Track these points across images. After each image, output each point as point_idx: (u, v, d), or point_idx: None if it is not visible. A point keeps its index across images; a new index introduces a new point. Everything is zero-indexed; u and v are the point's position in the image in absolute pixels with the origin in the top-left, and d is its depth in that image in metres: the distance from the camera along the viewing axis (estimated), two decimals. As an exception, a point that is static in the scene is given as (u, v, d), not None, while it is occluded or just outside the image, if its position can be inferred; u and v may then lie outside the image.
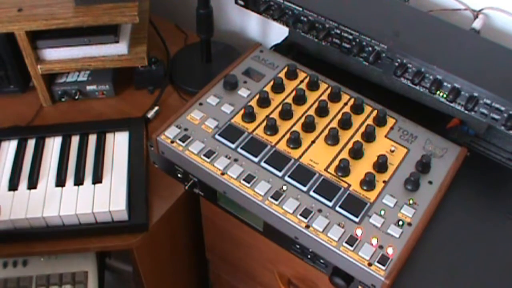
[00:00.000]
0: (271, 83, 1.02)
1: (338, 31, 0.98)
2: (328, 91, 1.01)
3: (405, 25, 0.98)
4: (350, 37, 0.97)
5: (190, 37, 1.45)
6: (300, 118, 0.96)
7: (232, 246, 1.18)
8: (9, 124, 1.22)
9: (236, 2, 1.09)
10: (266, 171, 0.89)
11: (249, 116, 0.95)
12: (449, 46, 0.95)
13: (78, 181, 1.09)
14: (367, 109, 0.99)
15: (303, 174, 0.88)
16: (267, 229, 0.90)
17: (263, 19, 1.23)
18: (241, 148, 0.92)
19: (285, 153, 0.91)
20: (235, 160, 0.90)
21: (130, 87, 1.32)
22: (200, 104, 0.98)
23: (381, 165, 0.89)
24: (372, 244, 0.81)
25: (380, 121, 0.96)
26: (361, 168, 0.90)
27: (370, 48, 0.96)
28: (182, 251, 1.35)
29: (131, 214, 1.06)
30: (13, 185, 1.09)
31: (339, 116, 0.97)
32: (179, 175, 0.97)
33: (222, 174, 0.89)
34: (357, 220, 0.84)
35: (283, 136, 0.94)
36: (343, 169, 0.88)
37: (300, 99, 0.99)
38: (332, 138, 0.93)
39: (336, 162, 0.90)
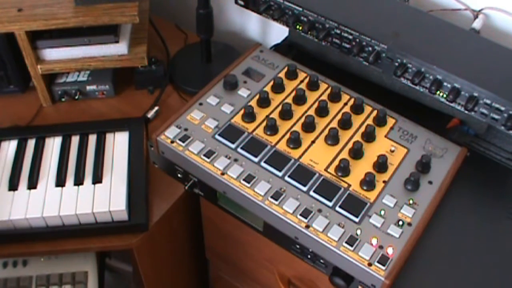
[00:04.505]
0: (271, 83, 1.02)
1: (338, 31, 0.98)
2: (328, 91, 1.01)
3: (405, 25, 0.98)
4: (350, 37, 0.97)
5: (190, 37, 1.45)
6: (300, 118, 0.96)
7: (232, 246, 1.18)
8: (9, 124, 1.22)
9: (236, 2, 1.09)
10: (266, 171, 0.89)
11: (249, 116, 0.95)
12: (449, 46, 0.95)
13: (78, 181, 1.09)
14: (367, 109, 0.99)
15: (303, 174, 0.88)
16: (267, 229, 0.90)
17: (263, 19, 1.24)
18: (241, 148, 0.92)
19: (285, 153, 0.91)
20: (235, 160, 0.90)
21: (130, 87, 1.32)
22: (200, 104, 0.98)
23: (381, 165, 0.89)
24: (372, 244, 0.81)
25: (380, 121, 0.96)
26: (361, 168, 0.90)
27: (370, 48, 0.96)
28: (182, 251, 1.35)
29: (131, 214, 1.06)
30: (13, 185, 1.09)
31: (339, 116, 0.97)
32: (179, 175, 0.97)
33: (222, 174, 0.89)
34: (357, 220, 0.84)
35: (283, 136, 0.94)
36: (343, 169, 0.88)
37: (300, 99, 0.99)
38: (332, 138, 0.93)
39: (336, 162, 0.90)
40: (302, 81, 1.03)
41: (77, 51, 1.20)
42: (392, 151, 0.93)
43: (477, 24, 1.03)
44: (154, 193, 1.12)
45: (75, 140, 1.17)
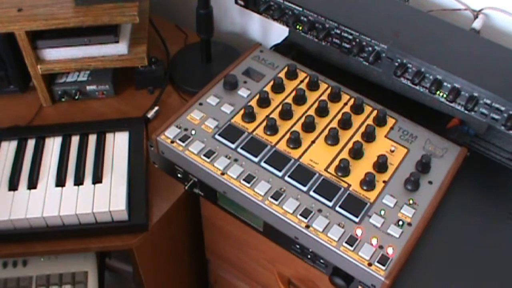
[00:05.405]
0: (271, 83, 1.02)
1: (338, 31, 0.98)
2: (328, 91, 1.01)
3: (405, 25, 0.98)
4: (350, 37, 0.97)
5: (190, 37, 1.45)
6: (300, 118, 0.96)
7: (232, 246, 1.18)
8: (9, 124, 1.22)
9: (236, 2, 1.09)
10: (266, 171, 0.89)
11: (249, 116, 0.95)
12: (449, 46, 0.95)
13: (78, 181, 1.09)
14: (367, 109, 0.99)
15: (303, 174, 0.88)
16: (267, 229, 0.90)
17: (263, 19, 1.23)
18: (241, 148, 0.92)
19: (285, 153, 0.91)
20: (235, 160, 0.90)
21: (130, 87, 1.32)
22: (200, 104, 0.98)
23: (381, 165, 0.89)
24: (372, 244, 0.81)
25: (380, 121, 0.96)
26: (361, 168, 0.90)
27: (370, 48, 0.96)
28: (182, 251, 1.35)
29: (131, 214, 1.06)
30: (13, 185, 1.09)
31: (339, 116, 0.97)
32: (179, 175, 0.97)
33: (222, 174, 0.89)
34: (357, 220, 0.84)
35: (283, 136, 0.94)
36: (343, 169, 0.88)
37: (300, 99, 0.99)
38: (332, 138, 0.93)
39: (336, 162, 0.90)
40: (302, 81, 1.03)
41: (77, 51, 1.20)
42: (392, 151, 0.93)
43: (477, 24, 1.03)
44: (154, 193, 1.12)
45: (75, 140, 1.17)
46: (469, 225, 0.89)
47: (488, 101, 0.87)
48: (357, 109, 0.98)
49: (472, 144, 0.98)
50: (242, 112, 0.96)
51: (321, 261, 0.86)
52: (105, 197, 1.06)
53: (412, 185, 0.88)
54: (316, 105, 0.98)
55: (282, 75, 1.03)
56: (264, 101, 0.98)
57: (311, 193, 0.86)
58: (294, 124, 0.96)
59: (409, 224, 0.84)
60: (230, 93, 1.00)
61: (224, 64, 1.09)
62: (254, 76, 1.03)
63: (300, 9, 1.00)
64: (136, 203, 1.08)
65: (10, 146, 1.17)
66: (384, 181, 0.89)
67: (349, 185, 0.88)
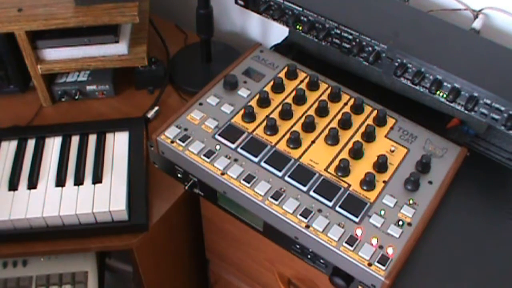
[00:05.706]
0: (271, 83, 1.02)
1: (338, 31, 0.98)
2: (328, 91, 1.01)
3: (405, 25, 0.98)
4: (350, 37, 0.97)
5: (190, 37, 1.45)
6: (300, 118, 0.96)
7: (232, 246, 1.18)
8: (9, 124, 1.22)
9: (236, 2, 1.09)
10: (266, 171, 0.89)
11: (249, 116, 0.95)
12: (449, 46, 0.95)
13: (78, 181, 1.09)
14: (367, 109, 0.99)
15: (303, 174, 0.88)
16: (267, 229, 0.90)
17: (263, 19, 1.24)
18: (241, 148, 0.92)
19: (285, 153, 0.91)
20: (235, 160, 0.90)
21: (130, 87, 1.32)
22: (200, 104, 0.98)
23: (381, 165, 0.89)
24: (372, 244, 0.81)
25: (380, 121, 0.96)
26: (361, 168, 0.90)
27: (370, 48, 0.96)
28: (182, 251, 1.35)
29: (131, 214, 1.06)
30: (13, 185, 1.09)
31: (339, 116, 0.97)
32: (179, 175, 0.97)
33: (222, 174, 0.89)
34: (357, 220, 0.84)
35: (283, 136, 0.94)
36: (343, 169, 0.88)
37: (300, 99, 0.99)
38: (332, 138, 0.93)
39: (336, 162, 0.90)
40: (302, 81, 1.03)
41: (77, 51, 1.20)
42: (392, 151, 0.93)
43: (477, 24, 1.03)
44: (154, 193, 1.12)
45: (75, 140, 1.17)
46: (469, 225, 0.89)
47: (488, 101, 0.87)
48: (357, 109, 0.98)
49: (472, 144, 0.98)
50: (242, 112, 0.96)
51: (321, 261, 0.86)
52: (105, 197, 1.06)
53: (412, 185, 0.88)
54: (316, 105, 0.98)
55: (282, 75, 1.03)
56: (264, 101, 0.98)
57: (311, 193, 0.86)
58: (294, 124, 0.96)
59: (409, 224, 0.84)
60: (230, 93, 1.00)
61: (224, 64, 1.09)
62: (254, 76, 1.03)
63: (300, 9, 1.00)
64: (136, 203, 1.08)
65: (10, 146, 1.17)
66: (384, 181, 0.89)
67: (349, 185, 0.88)
